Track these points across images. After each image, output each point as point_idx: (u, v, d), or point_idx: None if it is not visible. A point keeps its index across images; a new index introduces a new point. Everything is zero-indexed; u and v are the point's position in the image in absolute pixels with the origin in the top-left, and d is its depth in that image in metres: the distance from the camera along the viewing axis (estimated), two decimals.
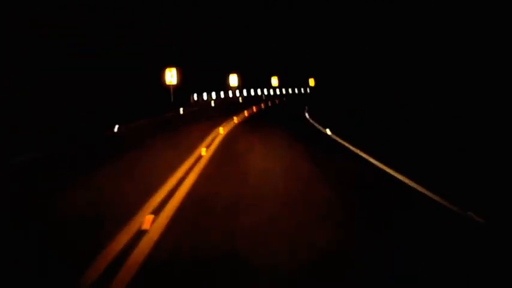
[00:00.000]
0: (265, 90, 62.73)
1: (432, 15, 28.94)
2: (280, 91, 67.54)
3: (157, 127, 20.44)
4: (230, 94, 50.87)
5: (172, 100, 34.44)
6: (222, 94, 47.57)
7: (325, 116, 24.17)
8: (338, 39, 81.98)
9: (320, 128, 18.69)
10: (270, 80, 64.18)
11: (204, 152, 11.73)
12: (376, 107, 25.73)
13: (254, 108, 32.24)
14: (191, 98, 39.41)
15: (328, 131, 16.93)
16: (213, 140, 14.61)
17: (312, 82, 78.92)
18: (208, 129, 17.50)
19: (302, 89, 77.97)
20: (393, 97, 29.92)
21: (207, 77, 46.92)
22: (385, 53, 41.41)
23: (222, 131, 17.27)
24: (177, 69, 35.56)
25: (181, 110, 29.74)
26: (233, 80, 50.00)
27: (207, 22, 52.45)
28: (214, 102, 40.74)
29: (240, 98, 49.35)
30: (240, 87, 52.48)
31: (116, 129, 18.45)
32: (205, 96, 42.54)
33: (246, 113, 27.52)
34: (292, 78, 73.58)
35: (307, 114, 27.16)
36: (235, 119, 22.68)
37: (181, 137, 16.66)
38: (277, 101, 46.41)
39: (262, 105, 37.05)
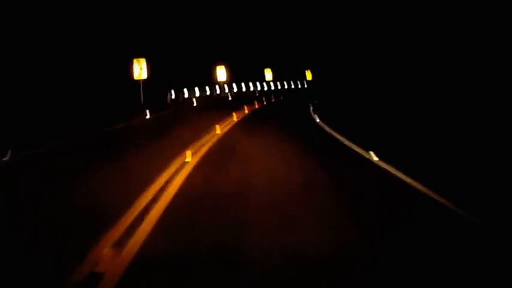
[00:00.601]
0: (258, 85, 55.40)
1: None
2: (275, 86, 60.18)
3: (65, 160, 11.13)
4: (218, 90, 43.50)
5: (142, 100, 26.99)
6: (207, 90, 40.14)
7: (343, 122, 17.01)
8: (337, 26, 75.06)
9: (353, 146, 11.59)
10: (262, 73, 56.70)
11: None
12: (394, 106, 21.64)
13: (246, 109, 25.00)
14: (168, 96, 31.97)
15: (373, 156, 9.83)
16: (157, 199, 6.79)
17: (309, 75, 71.67)
18: (168, 159, 10.04)
19: (299, 83, 70.71)
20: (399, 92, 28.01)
21: (189, 70, 39.47)
22: (387, 43, 39.40)
23: (189, 157, 9.97)
24: (148, 60, 28.09)
25: (147, 114, 22.26)
26: (221, 73, 42.58)
27: (189, 4, 44.92)
28: (197, 101, 33.28)
29: (230, 95, 41.95)
30: (229, 82, 45.06)
31: (7, 157, 11.00)
32: (186, 93, 35.11)
33: (235, 117, 20.26)
34: (287, 71, 66.30)
35: (317, 119, 20.00)
36: (218, 129, 15.43)
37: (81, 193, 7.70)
38: (273, 99, 39.23)
39: (257, 105, 29.76)
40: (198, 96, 36.04)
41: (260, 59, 60.79)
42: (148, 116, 21.94)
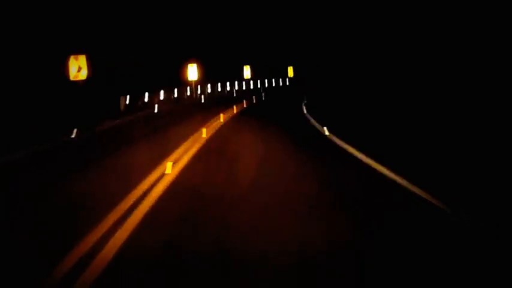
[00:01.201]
0: (235, 84, 48.74)
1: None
2: (255, 84, 53.64)
3: None
4: (188, 92, 36.73)
5: (81, 106, 20.06)
6: (175, 92, 33.32)
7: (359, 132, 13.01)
8: (319, 21, 69.49)
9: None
10: (240, 70, 50.00)
11: None
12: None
13: (222, 117, 18.50)
14: (122, 101, 25.10)
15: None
16: None
17: (290, 72, 65.39)
18: None
19: (280, 81, 64.34)
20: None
21: (154, 69, 32.61)
22: (370, 39, 37.41)
23: None
24: (88, 57, 21.22)
25: (73, 133, 15.02)
26: (192, 72, 35.83)
27: None
28: (160, 107, 26.37)
29: (203, 97, 35.22)
30: (202, 82, 38.30)
31: None
32: (147, 96, 28.24)
33: (204, 133, 13.66)
34: (267, 68, 59.86)
35: (326, 131, 13.58)
36: (169, 168, 8.67)
37: None
38: (254, 100, 32.70)
39: (235, 109, 23.20)
40: (163, 100, 29.19)
41: (237, 55, 54.23)
42: (74, 135, 14.84)
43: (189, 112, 22.41)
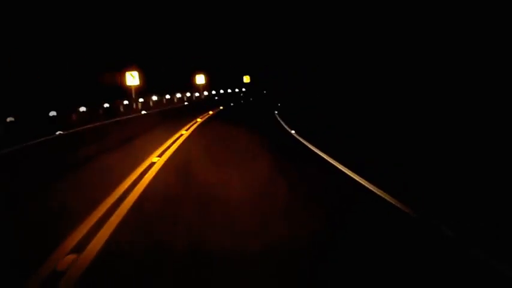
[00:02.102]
0: (187, 94, 42.34)
1: None
2: (209, 93, 47.39)
3: None
4: (127, 102, 30.03)
5: None
6: (106, 104, 26.58)
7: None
8: (279, 26, 64.74)
9: None
10: (193, 78, 43.56)
11: None
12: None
13: (165, 145, 12.34)
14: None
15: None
16: None
17: (247, 78, 59.68)
18: None
19: (236, 89, 58.50)
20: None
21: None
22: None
23: None
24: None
25: None
26: (131, 79, 29.25)
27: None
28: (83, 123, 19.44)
29: (143, 110, 28.62)
30: (144, 91, 31.69)
31: None
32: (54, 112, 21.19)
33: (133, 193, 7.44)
34: (223, 76, 53.87)
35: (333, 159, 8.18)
36: None
37: None
38: (211, 112, 26.58)
39: (185, 131, 16.88)
40: (83, 114, 22.29)
41: (189, 62, 47.94)
42: None
43: (113, 140, 15.97)
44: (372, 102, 25.73)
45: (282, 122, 18.84)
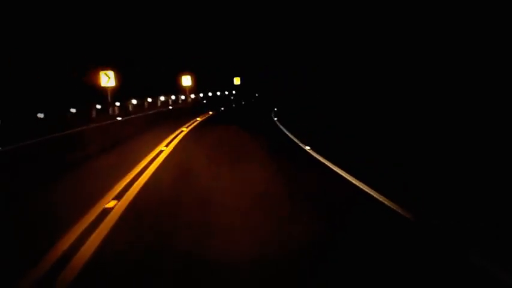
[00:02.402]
0: (172, 96, 38.40)
1: None
2: (197, 96, 43.48)
3: None
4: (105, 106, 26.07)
5: None
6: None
7: None
8: (271, 24, 61.41)
9: None
10: (179, 80, 39.59)
11: None
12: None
13: (132, 174, 8.50)
14: None
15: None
16: None
17: (237, 80, 55.82)
18: None
19: (226, 92, 54.71)
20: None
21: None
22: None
23: None
24: None
25: None
26: (105, 80, 25.36)
27: None
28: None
29: (120, 116, 24.70)
30: (123, 94, 27.81)
31: None
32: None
33: None
34: (212, 78, 50.02)
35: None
36: None
37: None
38: (199, 119, 22.75)
39: (165, 146, 13.01)
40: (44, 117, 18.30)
41: (173, 60, 43.98)
42: None
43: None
44: (375, 103, 25.40)
45: (290, 134, 15.13)
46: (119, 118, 23.94)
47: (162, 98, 35.39)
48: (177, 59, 42.90)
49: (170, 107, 33.99)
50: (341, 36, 40.08)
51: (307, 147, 11.31)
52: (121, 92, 28.36)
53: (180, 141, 13.97)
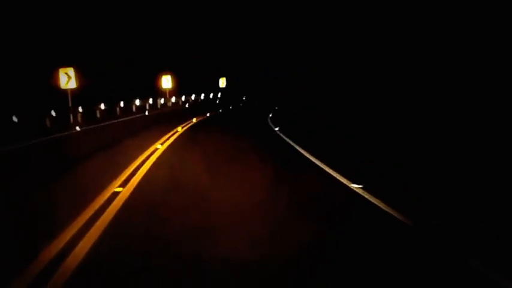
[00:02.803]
0: (150, 100, 33.68)
1: None
2: (178, 99, 38.82)
3: None
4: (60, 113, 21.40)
5: None
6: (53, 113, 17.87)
7: None
8: (260, 20, 58.11)
9: None
10: (157, 82, 34.89)
11: None
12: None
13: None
14: None
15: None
16: None
17: (222, 82, 51.31)
18: None
19: (211, 95, 50.14)
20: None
21: None
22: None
23: None
24: None
25: None
26: (65, 80, 20.94)
27: None
28: None
29: (83, 125, 20.17)
30: (88, 98, 23.16)
31: None
32: None
33: None
34: (195, 79, 45.41)
35: None
36: None
37: None
38: (180, 129, 18.14)
39: (133, 170, 8.50)
40: None
41: (152, 60, 39.24)
42: None
43: None
44: (376, 104, 24.95)
45: (301, 150, 11.21)
46: (78, 128, 19.25)
47: (138, 102, 30.68)
48: (155, 57, 38.20)
49: (146, 113, 29.33)
50: (341, 36, 39.24)
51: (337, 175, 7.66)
52: (88, 94, 23.73)
53: (151, 168, 9.45)
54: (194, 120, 24.35)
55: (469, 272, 3.93)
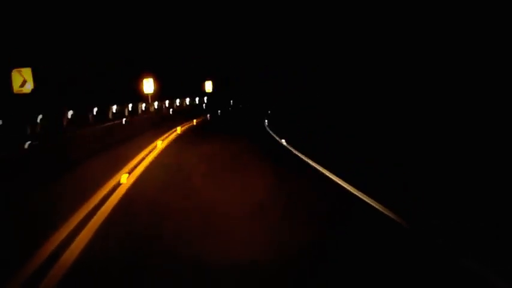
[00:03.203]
0: (130, 105, 30.00)
1: None
2: (161, 104, 35.14)
3: None
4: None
5: None
6: None
7: None
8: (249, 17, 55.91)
9: None
10: (138, 86, 31.14)
11: None
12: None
13: None
14: None
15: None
16: None
17: (208, 86, 47.44)
18: None
19: (197, 100, 46.52)
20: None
21: None
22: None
23: None
24: None
25: None
26: (20, 82, 17.24)
27: None
28: None
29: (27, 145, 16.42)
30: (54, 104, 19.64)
31: None
32: None
33: None
34: (176, 83, 41.81)
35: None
36: None
37: None
38: (159, 145, 14.60)
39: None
40: None
41: (131, 60, 35.52)
42: None
43: None
44: (377, 104, 24.57)
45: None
46: (28, 143, 15.64)
47: (115, 108, 27.03)
48: (136, 59, 34.53)
49: (124, 121, 25.73)
50: (341, 36, 38.30)
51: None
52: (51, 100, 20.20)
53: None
54: (178, 131, 20.76)
55: (468, 272, 3.93)
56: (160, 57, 39.16)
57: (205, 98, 47.33)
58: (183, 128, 22.15)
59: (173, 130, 20.60)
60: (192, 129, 23.28)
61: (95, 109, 24.11)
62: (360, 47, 34.08)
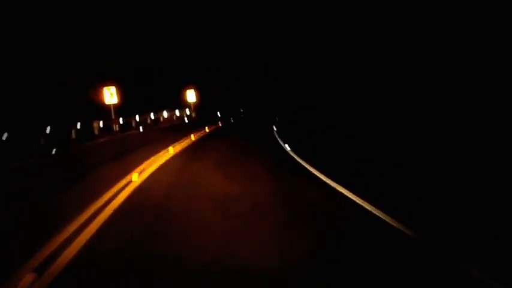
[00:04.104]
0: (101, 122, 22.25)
1: None
2: (131, 120, 27.41)
3: None
4: None
5: None
6: None
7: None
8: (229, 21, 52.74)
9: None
10: (99, 96, 23.44)
11: None
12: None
13: None
14: None
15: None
16: None
17: (191, 96, 39.41)
18: None
19: (177, 112, 38.79)
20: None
21: None
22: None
23: None
24: None
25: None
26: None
27: None
28: None
29: None
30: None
31: None
32: None
33: None
34: (150, 90, 34.52)
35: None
36: None
37: None
38: (135, 181, 8.12)
39: None
40: None
41: (95, 72, 27.82)
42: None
43: None
44: (379, 105, 24.53)
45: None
46: None
47: (79, 125, 19.40)
48: (97, 63, 27.13)
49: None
50: (341, 36, 37.80)
51: None
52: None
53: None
54: (159, 162, 13.37)
55: (467, 273, 3.91)
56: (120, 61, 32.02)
57: (187, 111, 40.01)
58: (163, 150, 14.93)
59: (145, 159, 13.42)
60: (175, 158, 16.07)
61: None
62: (360, 47, 34.22)
